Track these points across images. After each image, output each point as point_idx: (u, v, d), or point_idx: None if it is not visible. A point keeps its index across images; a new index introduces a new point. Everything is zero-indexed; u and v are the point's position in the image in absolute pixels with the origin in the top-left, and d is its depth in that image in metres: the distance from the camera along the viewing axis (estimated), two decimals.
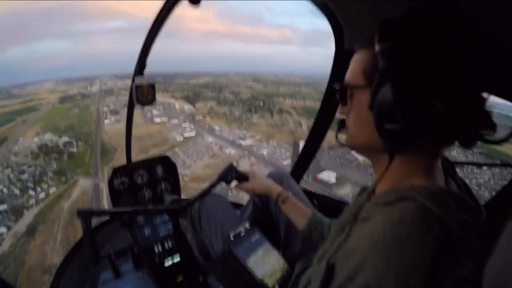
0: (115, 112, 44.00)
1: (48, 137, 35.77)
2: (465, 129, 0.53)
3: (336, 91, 0.69)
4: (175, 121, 43.24)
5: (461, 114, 0.51)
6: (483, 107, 0.54)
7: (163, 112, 46.66)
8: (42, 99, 49.94)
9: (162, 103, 51.10)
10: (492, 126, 0.53)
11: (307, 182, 25.35)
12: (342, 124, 0.73)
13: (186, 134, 38.42)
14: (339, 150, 29.16)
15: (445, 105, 0.50)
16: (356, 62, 0.65)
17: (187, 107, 50.87)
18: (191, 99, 54.63)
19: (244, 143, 35.48)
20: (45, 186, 26.58)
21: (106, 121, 41.35)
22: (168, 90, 60.78)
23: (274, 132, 39.13)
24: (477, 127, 0.53)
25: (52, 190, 26.50)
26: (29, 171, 27.61)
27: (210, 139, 37.90)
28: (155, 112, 45.91)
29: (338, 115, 0.75)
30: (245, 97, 53.16)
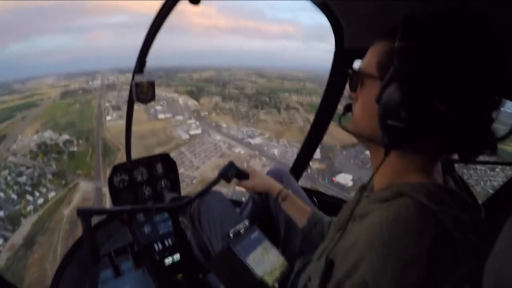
0: (117, 108, 42.47)
1: (48, 134, 34.46)
2: (468, 141, 0.54)
3: (348, 75, 0.69)
4: (179, 117, 41.47)
5: (468, 124, 0.51)
6: (490, 126, 0.53)
7: (166, 108, 45.10)
8: (43, 94, 48.93)
9: (165, 98, 49.57)
10: (493, 148, 0.53)
11: (323, 185, 23.82)
12: (348, 109, 0.73)
13: (192, 132, 36.64)
14: (352, 150, 27.58)
15: (454, 112, 0.49)
16: (373, 53, 0.63)
17: (191, 102, 49.34)
18: (195, 94, 53.27)
19: (253, 141, 33.59)
20: (43, 190, 25.07)
21: (108, 118, 39.83)
22: (170, 85, 59.62)
23: (283, 130, 37.43)
24: (479, 142, 0.53)
25: (51, 194, 24.93)
26: (27, 173, 26.18)
27: (217, 137, 36.10)
28: (158, 107, 44.38)
29: (347, 98, 0.74)
30: (250, 92, 51.68)
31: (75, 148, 31.89)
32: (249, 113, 43.36)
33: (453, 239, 0.48)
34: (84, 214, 1.09)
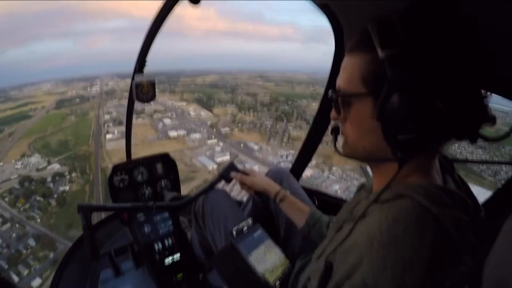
0: (118, 121, 35.30)
1: (35, 161, 27.63)
2: (470, 129, 0.53)
3: (331, 99, 0.65)
4: (196, 135, 33.95)
5: (468, 115, 0.51)
6: (484, 104, 0.53)
7: (177, 121, 37.89)
8: (38, 102, 44.01)
9: (173, 108, 42.72)
10: (493, 120, 0.53)
11: None
12: (337, 132, 0.69)
13: (219, 158, 28.69)
14: None
15: (452, 107, 0.49)
16: (352, 68, 0.59)
17: (204, 113, 42.30)
18: (205, 103, 46.95)
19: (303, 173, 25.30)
20: (25, 272, 16.75)
21: (108, 136, 32.49)
22: (175, 91, 53.69)
23: (328, 152, 30.17)
24: (480, 124, 0.53)
25: (36, 283, 16.44)
26: (3, 232, 18.77)
27: (255, 167, 27.81)
28: (167, 121, 37.42)
29: (332, 122, 0.70)
30: (265, 99, 45.52)
31: (67, 187, 24.22)
32: (276, 127, 36.14)
33: (452, 240, 0.48)
34: (84, 210, 1.13)
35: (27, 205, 21.38)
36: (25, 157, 28.15)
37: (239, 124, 38.77)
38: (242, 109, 43.00)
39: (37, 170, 26.08)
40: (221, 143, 33.23)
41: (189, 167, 27.84)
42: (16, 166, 26.53)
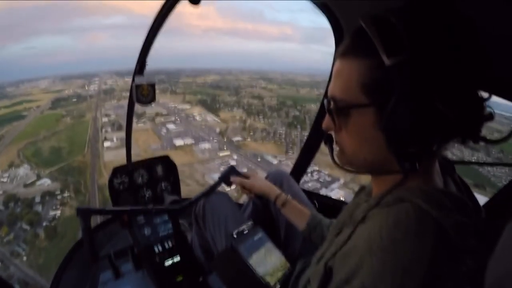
0: (117, 126, 31.94)
1: (23, 173, 24.19)
2: (471, 128, 0.52)
3: (328, 110, 0.60)
4: (205, 145, 30.57)
5: (468, 114, 0.50)
6: (482, 102, 0.52)
7: (182, 127, 34.55)
8: (33, 101, 41.11)
9: (176, 110, 39.55)
10: (491, 117, 0.52)
11: None
12: (331, 141, 0.66)
13: None
14: None
15: (453, 108, 0.47)
16: (349, 75, 0.55)
17: (211, 118, 38.97)
18: (209, 105, 44.02)
19: (333, 194, 21.23)
20: None
21: (106, 144, 29.10)
22: (177, 92, 50.62)
23: None
24: (480, 123, 0.52)
25: None
26: None
27: None
28: (171, 126, 33.99)
29: (325, 129, 0.65)
30: (271, 103, 42.80)
31: (58, 212, 20.47)
32: (291, 136, 32.97)
33: (453, 244, 0.48)
34: (83, 213, 1.14)
35: (11, 236, 17.80)
36: (13, 168, 24.73)
37: (251, 133, 35.46)
38: (251, 114, 39.91)
39: (25, 186, 22.62)
40: (235, 156, 29.67)
41: (202, 186, 24.24)
42: (2, 180, 23.11)
